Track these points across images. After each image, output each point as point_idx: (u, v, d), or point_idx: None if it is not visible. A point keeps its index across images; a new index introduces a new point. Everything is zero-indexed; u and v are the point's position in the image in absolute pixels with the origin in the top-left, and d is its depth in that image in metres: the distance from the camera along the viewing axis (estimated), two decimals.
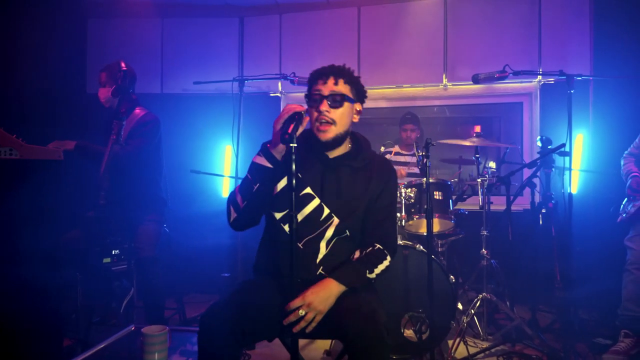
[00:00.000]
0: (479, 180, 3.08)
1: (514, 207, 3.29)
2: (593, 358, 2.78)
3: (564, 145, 2.66)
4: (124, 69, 3.07)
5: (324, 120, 1.78)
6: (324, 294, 1.62)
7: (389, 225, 1.87)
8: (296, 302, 1.57)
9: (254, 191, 1.73)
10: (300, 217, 1.79)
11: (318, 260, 1.79)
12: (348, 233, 1.81)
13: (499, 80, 3.12)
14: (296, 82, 3.52)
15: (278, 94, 4.73)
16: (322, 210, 1.80)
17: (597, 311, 3.49)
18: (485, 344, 2.96)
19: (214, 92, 4.57)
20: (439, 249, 3.58)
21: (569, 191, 2.66)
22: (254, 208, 1.79)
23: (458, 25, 4.27)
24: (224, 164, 4.70)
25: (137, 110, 3.00)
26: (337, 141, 1.82)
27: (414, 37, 4.35)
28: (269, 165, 1.72)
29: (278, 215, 1.83)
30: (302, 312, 1.56)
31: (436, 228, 3.26)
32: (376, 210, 1.83)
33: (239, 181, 3.62)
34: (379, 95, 4.54)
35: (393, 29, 4.40)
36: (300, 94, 4.62)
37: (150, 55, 4.72)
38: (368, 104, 5.06)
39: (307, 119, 1.73)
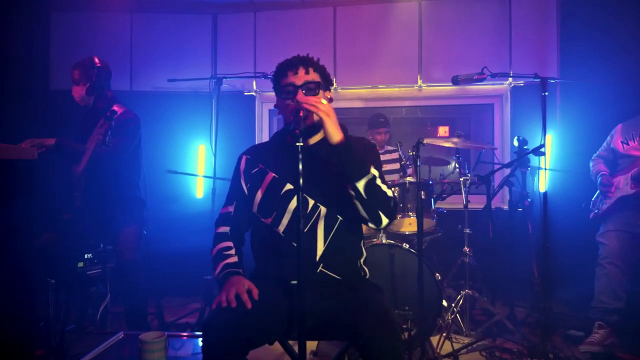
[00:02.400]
0: (461, 179, 3.15)
1: (478, 206, 3.38)
2: (568, 349, 2.89)
3: (543, 145, 2.76)
4: (98, 65, 2.95)
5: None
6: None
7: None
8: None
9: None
10: (287, 215, 1.78)
11: (317, 258, 1.76)
12: (340, 218, 1.78)
13: (477, 82, 3.18)
14: None
15: (252, 93, 4.67)
16: (307, 203, 1.78)
17: (567, 305, 3.64)
18: (467, 340, 3.03)
19: (187, 90, 4.49)
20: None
21: (543, 189, 2.77)
22: None
23: (432, 28, 4.36)
24: (197, 164, 4.59)
25: (115, 108, 2.87)
26: (315, 127, 1.79)
27: (390, 38, 4.40)
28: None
29: (268, 221, 1.81)
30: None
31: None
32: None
33: (217, 181, 3.58)
34: (355, 95, 4.56)
35: (369, 29, 4.44)
36: None
37: (119, 51, 4.55)
38: (343, 103, 5.09)
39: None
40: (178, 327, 3.34)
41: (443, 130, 5.46)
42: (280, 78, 1.81)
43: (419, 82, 4.38)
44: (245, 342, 1.51)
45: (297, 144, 1.57)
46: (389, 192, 1.71)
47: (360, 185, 1.65)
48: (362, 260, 1.91)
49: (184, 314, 3.57)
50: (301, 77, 1.77)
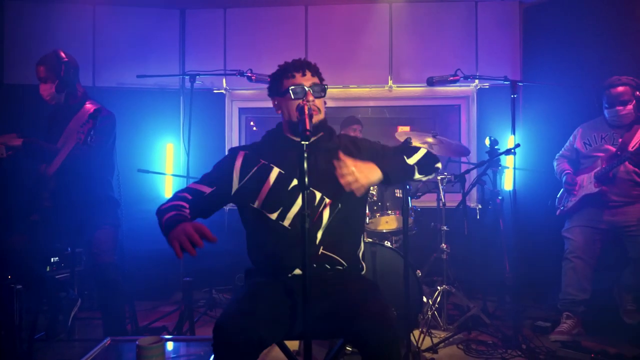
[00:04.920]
0: (438, 177, 3.23)
1: (452, 204, 3.49)
2: (538, 339, 3.03)
3: (519, 145, 2.89)
4: (65, 59, 2.80)
5: (312, 108, 1.78)
6: (367, 166, 1.68)
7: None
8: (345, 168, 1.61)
9: None
10: (295, 208, 1.80)
11: (318, 241, 1.79)
12: (340, 205, 1.82)
13: (451, 83, 3.30)
14: (254, 79, 3.43)
15: (222, 91, 4.59)
16: (314, 196, 1.82)
17: (534, 297, 3.82)
18: (444, 334, 3.11)
19: (154, 86, 4.35)
20: (394, 245, 3.69)
21: (509, 188, 2.88)
22: None
23: (403, 30, 4.44)
24: (165, 163, 4.45)
25: (88, 105, 2.75)
26: (320, 127, 1.87)
27: (361, 39, 4.44)
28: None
29: (273, 216, 1.80)
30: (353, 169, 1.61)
31: (394, 225, 3.36)
32: (384, 157, 1.87)
33: (190, 180, 3.49)
34: (326, 94, 4.55)
35: (340, 29, 4.46)
36: (247, 91, 4.53)
37: (80, 45, 4.32)
38: None
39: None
40: (152, 331, 3.23)
41: (404, 129, 5.59)
42: (284, 79, 1.84)
43: (390, 82, 4.45)
44: (257, 343, 1.49)
45: (303, 142, 1.57)
46: (424, 149, 1.91)
47: (416, 174, 1.83)
48: (360, 253, 1.94)
49: (156, 318, 3.46)
50: (309, 79, 1.84)
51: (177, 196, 1.80)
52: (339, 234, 1.82)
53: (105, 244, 2.66)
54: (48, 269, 3.08)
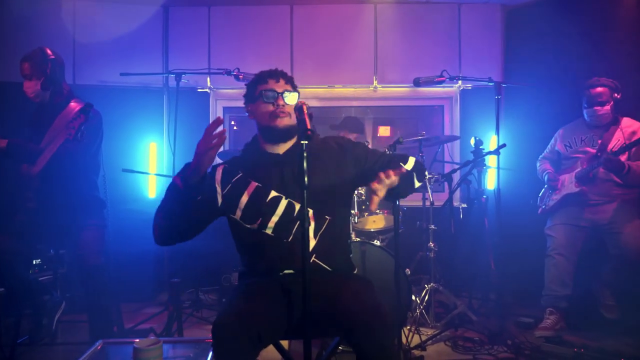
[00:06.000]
0: (427, 177, 3.27)
1: (437, 203, 3.54)
2: (522, 335, 3.10)
3: (505, 145, 2.94)
4: (52, 57, 2.74)
5: (282, 112, 1.84)
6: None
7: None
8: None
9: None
10: (275, 217, 1.82)
11: (310, 249, 1.80)
12: (328, 217, 1.84)
13: (437, 84, 3.34)
14: (241, 78, 3.40)
15: (206, 90, 4.54)
16: (294, 207, 1.83)
17: (516, 293, 3.89)
18: (431, 331, 3.15)
19: (137, 85, 4.28)
20: (381, 244, 3.72)
21: (492, 187, 2.94)
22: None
23: (387, 31, 4.47)
24: (148, 162, 4.38)
25: (73, 104, 2.69)
26: (291, 132, 1.89)
27: (346, 39, 4.46)
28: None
29: (254, 226, 1.83)
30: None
31: (382, 224, 3.40)
32: (374, 163, 1.91)
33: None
34: (311, 94, 4.56)
35: (326, 29, 4.47)
36: (231, 90, 4.49)
37: (60, 41, 4.21)
38: None
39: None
40: (138, 333, 3.17)
41: (384, 130, 5.63)
42: (258, 85, 1.89)
43: (375, 82, 4.48)
44: (256, 341, 1.49)
45: (303, 141, 1.57)
46: (412, 157, 1.92)
47: (416, 182, 1.87)
48: (351, 257, 1.97)
49: (142, 319, 3.40)
50: (282, 85, 1.88)
51: None
52: (330, 246, 1.85)
53: (92, 245, 2.60)
54: (31, 272, 3.00)
